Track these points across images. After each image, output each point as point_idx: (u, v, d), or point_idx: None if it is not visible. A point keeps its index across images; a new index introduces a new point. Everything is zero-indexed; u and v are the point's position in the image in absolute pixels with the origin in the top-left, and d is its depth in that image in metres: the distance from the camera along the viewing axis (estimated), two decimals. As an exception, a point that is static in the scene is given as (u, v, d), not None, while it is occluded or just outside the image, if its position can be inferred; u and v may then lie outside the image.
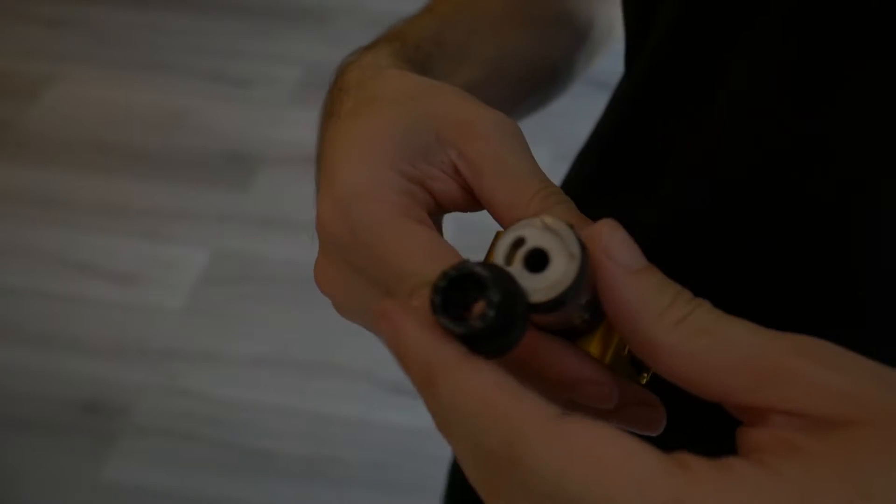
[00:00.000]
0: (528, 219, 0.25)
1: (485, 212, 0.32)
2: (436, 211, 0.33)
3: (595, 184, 0.50)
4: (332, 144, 0.34)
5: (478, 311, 0.23)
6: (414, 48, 0.41)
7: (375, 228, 0.30)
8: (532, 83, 0.50)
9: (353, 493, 1.43)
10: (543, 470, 0.21)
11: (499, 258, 0.25)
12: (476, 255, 0.26)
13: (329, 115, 0.36)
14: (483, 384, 0.22)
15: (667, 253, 0.44)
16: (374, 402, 1.53)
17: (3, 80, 2.15)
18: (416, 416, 1.46)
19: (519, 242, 0.25)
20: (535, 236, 0.25)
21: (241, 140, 2.01)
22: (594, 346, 0.29)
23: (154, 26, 2.27)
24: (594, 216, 0.28)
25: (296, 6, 2.38)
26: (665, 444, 0.23)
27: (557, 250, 0.24)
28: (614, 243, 0.25)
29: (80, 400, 1.53)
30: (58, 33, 2.26)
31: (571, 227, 0.25)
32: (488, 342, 0.23)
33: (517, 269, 0.25)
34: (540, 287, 0.24)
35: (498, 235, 0.26)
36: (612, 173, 0.49)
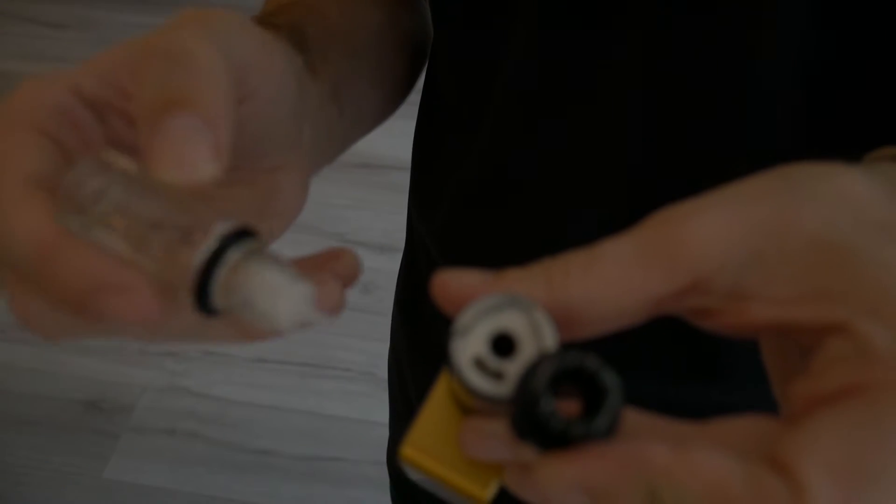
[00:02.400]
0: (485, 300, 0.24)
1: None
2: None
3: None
4: None
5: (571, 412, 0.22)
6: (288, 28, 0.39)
7: None
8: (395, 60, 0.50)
9: (353, 493, 1.43)
10: None
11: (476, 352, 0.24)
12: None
13: None
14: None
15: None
16: (374, 402, 1.54)
17: (4, 82, 2.15)
18: (415, 415, 1.46)
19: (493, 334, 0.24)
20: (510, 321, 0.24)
21: (241, 141, 2.01)
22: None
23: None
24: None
25: (296, 7, 2.38)
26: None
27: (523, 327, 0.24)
28: (456, 279, 0.24)
29: (82, 399, 1.54)
30: (59, 35, 2.27)
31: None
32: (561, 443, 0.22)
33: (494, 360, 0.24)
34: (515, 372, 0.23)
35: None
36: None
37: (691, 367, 0.47)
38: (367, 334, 1.61)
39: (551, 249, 0.25)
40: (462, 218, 0.51)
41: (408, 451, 0.26)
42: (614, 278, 0.23)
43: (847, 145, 0.29)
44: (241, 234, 0.26)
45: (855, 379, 0.21)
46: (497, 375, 0.24)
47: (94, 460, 1.46)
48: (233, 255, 0.25)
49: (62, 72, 0.29)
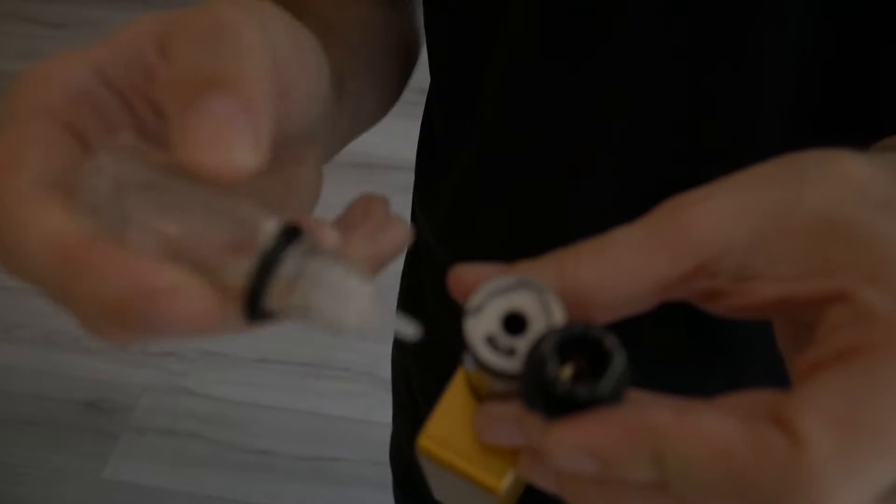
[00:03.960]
0: (496, 282, 0.25)
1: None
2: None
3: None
4: None
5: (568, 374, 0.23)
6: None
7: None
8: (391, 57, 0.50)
9: (353, 493, 1.43)
10: None
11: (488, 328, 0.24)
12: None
13: None
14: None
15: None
16: (374, 402, 1.54)
17: (4, 82, 2.15)
18: (415, 415, 1.46)
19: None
20: (520, 301, 0.24)
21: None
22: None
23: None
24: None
25: (296, 7, 2.38)
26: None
27: (532, 306, 0.24)
28: (471, 270, 0.25)
29: (82, 399, 1.54)
30: (59, 35, 2.27)
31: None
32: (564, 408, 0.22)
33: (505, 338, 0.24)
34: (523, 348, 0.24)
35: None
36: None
37: (699, 352, 0.47)
38: (366, 334, 1.61)
39: (556, 244, 0.25)
40: (465, 212, 0.51)
41: (425, 442, 0.26)
42: (623, 264, 0.24)
43: (852, 136, 0.30)
44: (294, 231, 0.23)
45: (855, 341, 0.21)
46: (509, 352, 0.24)
47: (94, 460, 1.46)
48: (291, 256, 0.23)
49: (79, 51, 0.26)
